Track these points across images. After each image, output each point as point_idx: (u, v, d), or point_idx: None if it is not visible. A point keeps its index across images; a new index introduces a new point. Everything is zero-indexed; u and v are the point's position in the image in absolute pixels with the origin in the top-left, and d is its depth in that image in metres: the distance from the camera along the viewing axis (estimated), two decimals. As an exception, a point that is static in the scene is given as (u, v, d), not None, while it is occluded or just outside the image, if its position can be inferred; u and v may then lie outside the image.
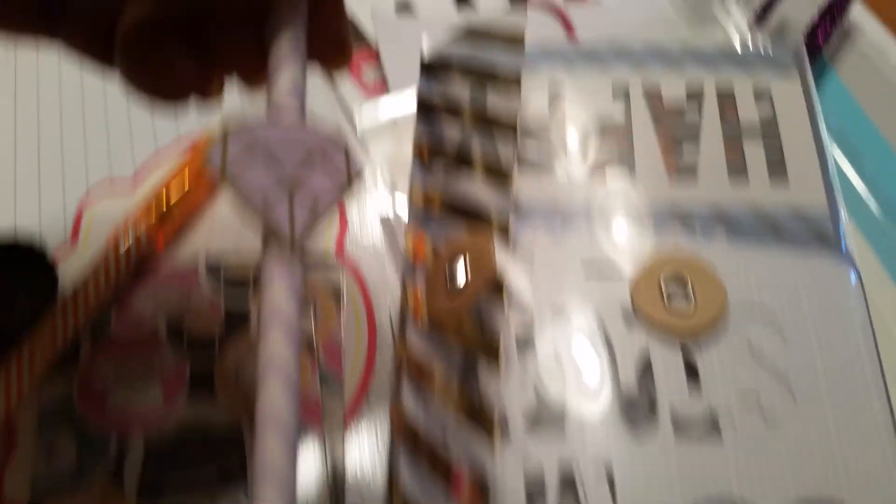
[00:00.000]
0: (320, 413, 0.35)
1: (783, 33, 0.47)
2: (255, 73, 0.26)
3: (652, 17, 0.49)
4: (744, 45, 0.42)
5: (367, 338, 0.37)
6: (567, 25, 0.47)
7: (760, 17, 0.47)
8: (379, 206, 0.41)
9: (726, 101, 0.39)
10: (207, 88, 0.27)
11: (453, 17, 0.49)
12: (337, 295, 0.38)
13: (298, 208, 0.20)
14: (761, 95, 0.39)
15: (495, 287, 0.31)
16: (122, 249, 0.37)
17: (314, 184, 0.21)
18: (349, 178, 0.21)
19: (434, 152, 0.38)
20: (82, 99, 0.44)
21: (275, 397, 0.18)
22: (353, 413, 0.35)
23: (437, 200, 0.36)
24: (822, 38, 0.46)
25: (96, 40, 0.27)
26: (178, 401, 0.35)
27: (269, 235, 0.20)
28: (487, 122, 0.37)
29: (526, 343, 0.33)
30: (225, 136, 0.21)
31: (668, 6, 0.50)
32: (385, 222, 0.40)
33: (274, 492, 0.17)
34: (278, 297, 0.19)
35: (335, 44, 0.26)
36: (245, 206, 0.20)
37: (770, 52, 0.41)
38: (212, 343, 0.36)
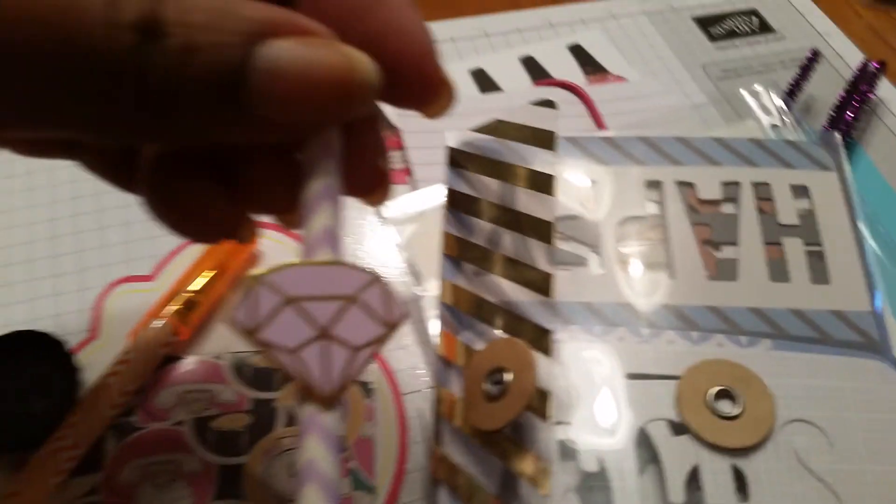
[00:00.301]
0: (352, 516, 0.34)
1: (810, 112, 0.47)
2: (290, 211, 0.24)
3: (676, 97, 0.49)
4: (776, 132, 0.42)
5: (398, 435, 0.36)
6: (592, 110, 0.47)
7: (788, 95, 0.46)
8: (405, 294, 0.40)
9: (763, 195, 0.39)
10: (238, 229, 0.26)
11: (476, 98, 0.48)
12: (366, 388, 0.37)
13: (335, 363, 0.19)
14: (798, 189, 0.39)
15: (538, 400, 0.30)
16: (146, 342, 0.36)
17: (352, 335, 0.20)
18: (391, 325, 0.20)
19: (463, 247, 0.37)
20: (98, 195, 0.44)
21: None
22: (385, 515, 0.34)
23: (470, 299, 0.36)
24: (851, 116, 0.45)
25: (120, 168, 0.26)
26: (207, 501, 0.33)
27: (304, 392, 0.19)
28: (518, 219, 0.36)
29: (566, 453, 0.32)
30: (254, 289, 0.19)
31: (692, 84, 0.50)
32: (414, 317, 0.39)
33: None
34: (314, 455, 0.18)
35: (373, 179, 0.24)
36: (276, 364, 0.19)
37: (804, 139, 0.41)
38: (238, 439, 0.35)
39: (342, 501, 0.34)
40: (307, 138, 0.21)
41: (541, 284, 0.34)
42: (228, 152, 0.24)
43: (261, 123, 0.20)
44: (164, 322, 0.36)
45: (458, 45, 0.52)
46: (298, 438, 0.19)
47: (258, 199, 0.25)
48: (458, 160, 0.39)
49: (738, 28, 0.55)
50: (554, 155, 0.36)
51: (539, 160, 0.37)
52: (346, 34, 0.21)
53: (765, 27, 0.55)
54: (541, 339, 0.32)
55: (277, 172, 0.24)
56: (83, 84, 0.18)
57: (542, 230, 0.35)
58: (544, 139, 0.36)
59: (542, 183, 0.36)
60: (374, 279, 0.20)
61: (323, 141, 0.21)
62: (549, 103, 0.37)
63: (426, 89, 0.23)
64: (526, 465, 0.30)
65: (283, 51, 0.19)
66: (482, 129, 0.39)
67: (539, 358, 0.31)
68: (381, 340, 0.20)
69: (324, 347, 0.19)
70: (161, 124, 0.19)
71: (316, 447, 0.18)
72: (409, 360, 0.38)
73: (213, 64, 0.18)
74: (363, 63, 0.20)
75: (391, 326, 0.20)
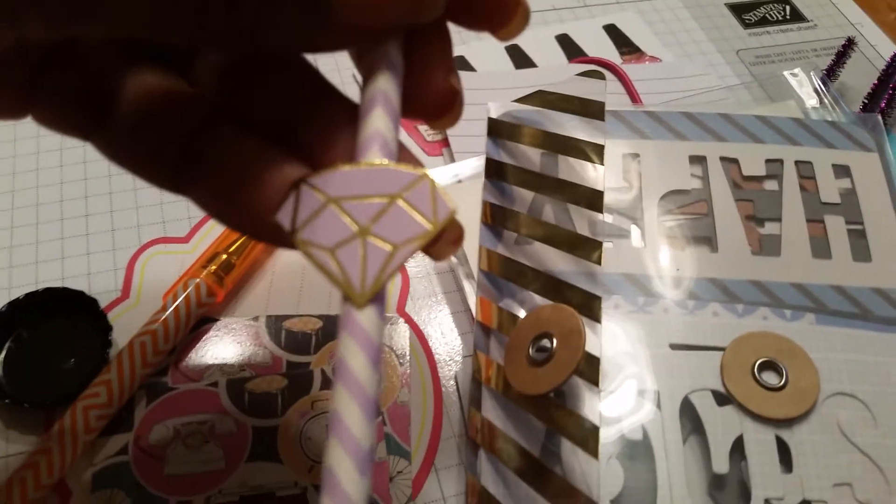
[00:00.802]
0: (387, 480, 0.33)
1: (843, 99, 0.47)
2: None
3: (711, 79, 0.49)
4: (816, 114, 0.42)
5: (433, 400, 0.36)
6: (629, 87, 0.46)
7: (823, 83, 0.46)
8: (440, 264, 0.40)
9: (805, 173, 0.39)
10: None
11: (511, 74, 0.48)
12: (399, 353, 0.37)
13: (372, 262, 0.19)
14: (840, 169, 0.39)
15: (586, 365, 0.30)
16: (181, 303, 0.35)
17: (392, 233, 0.19)
18: (435, 223, 0.19)
19: (504, 216, 0.36)
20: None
21: (340, 459, 0.17)
22: (421, 480, 0.34)
23: (510, 266, 0.35)
24: (885, 103, 0.45)
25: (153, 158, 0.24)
26: (239, 462, 0.33)
27: (342, 291, 0.19)
28: (563, 188, 0.36)
29: (609, 421, 0.32)
30: (297, 190, 0.19)
31: (726, 68, 0.50)
32: (448, 281, 0.39)
33: None
34: (350, 356, 0.18)
35: (443, 98, 0.22)
36: (316, 264, 0.19)
37: (843, 121, 0.41)
38: (273, 401, 0.35)
39: (379, 465, 0.33)
40: (368, 50, 0.21)
41: (590, 253, 0.33)
42: (293, 112, 0.23)
43: (335, 29, 0.19)
44: (199, 283, 0.36)
45: (494, 20, 0.51)
46: (337, 338, 0.18)
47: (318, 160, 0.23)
48: (499, 130, 0.39)
49: (770, 16, 0.55)
50: (601, 125, 0.36)
51: (584, 130, 0.37)
52: None
53: (796, 16, 0.55)
54: (589, 305, 0.32)
55: (339, 123, 0.22)
56: None
57: (591, 199, 0.34)
58: (593, 109, 0.36)
59: (590, 152, 0.36)
60: (421, 177, 0.20)
61: (383, 51, 0.21)
62: (596, 73, 0.37)
63: (502, 7, 0.22)
64: (574, 429, 0.29)
65: None
66: (525, 100, 0.38)
67: (587, 324, 0.31)
68: (424, 238, 0.19)
69: (361, 245, 0.19)
70: (234, 22, 0.19)
71: (349, 346, 0.18)
72: (444, 328, 0.38)
73: None
74: None
75: (436, 224, 0.19)
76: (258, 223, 0.21)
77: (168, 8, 0.18)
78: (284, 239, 0.20)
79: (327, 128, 0.22)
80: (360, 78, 0.21)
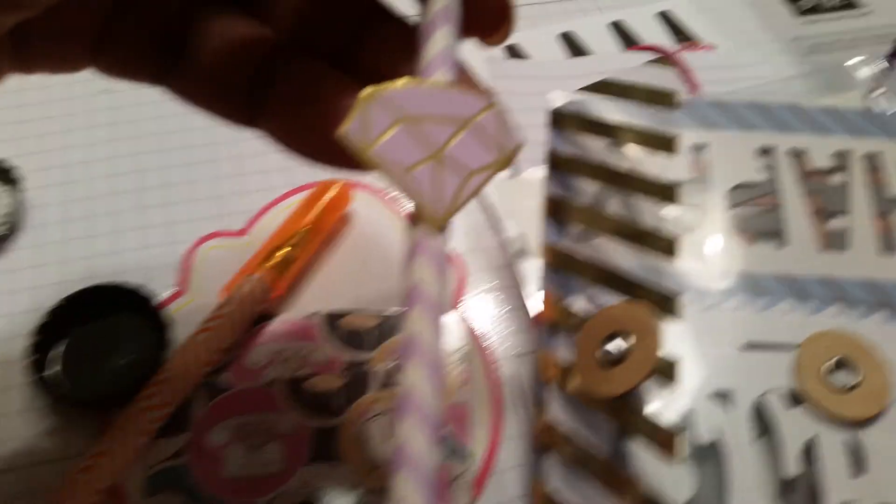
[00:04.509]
0: (448, 486, 0.33)
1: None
2: None
3: (769, 68, 0.48)
4: (880, 105, 0.41)
5: (492, 401, 0.35)
6: (688, 77, 0.45)
7: (884, 74, 0.45)
8: (497, 259, 0.39)
9: (873, 167, 0.38)
10: None
11: (564, 63, 0.47)
12: (460, 353, 0.36)
13: (447, 185, 0.19)
14: (909, 162, 0.38)
15: (664, 365, 0.29)
16: (239, 299, 0.35)
17: (465, 158, 0.19)
18: (506, 151, 0.20)
19: (567, 210, 0.36)
20: (187, 149, 0.43)
21: (417, 379, 0.17)
22: (481, 484, 0.33)
23: (574, 262, 0.34)
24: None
25: (220, 91, 0.24)
26: (300, 464, 0.33)
27: (415, 212, 0.19)
28: (631, 182, 0.35)
29: (679, 422, 0.31)
30: (366, 105, 0.19)
31: (781, 56, 0.49)
32: (507, 276, 0.38)
33: None
34: (423, 276, 0.18)
35: (494, 13, 0.23)
36: (389, 181, 0.19)
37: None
38: (333, 401, 0.34)
39: (439, 468, 0.33)
40: None
41: (663, 247, 0.32)
42: (356, 38, 0.24)
43: None
44: (258, 278, 0.35)
45: (546, 7, 0.51)
46: (406, 258, 0.19)
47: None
48: (563, 121, 0.38)
49: (824, 1, 0.53)
50: (674, 115, 0.35)
51: (654, 119, 0.36)
52: None
53: (848, 2, 0.54)
54: (666, 304, 0.31)
55: (399, 45, 0.23)
56: None
57: (665, 191, 0.33)
58: (663, 98, 0.35)
59: (664, 143, 0.35)
60: (491, 105, 0.20)
61: None
62: (664, 61, 0.36)
63: (496, 16, 0.23)
64: (651, 433, 0.29)
65: None
66: (590, 89, 0.37)
67: (663, 323, 0.30)
68: (494, 167, 0.19)
69: (436, 168, 0.19)
70: None
71: (425, 268, 0.18)
72: (503, 326, 0.37)
73: None
74: None
75: (506, 153, 0.20)
76: (328, 146, 0.21)
77: None
78: (355, 162, 0.19)
79: (389, 51, 0.23)
80: None
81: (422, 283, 0.18)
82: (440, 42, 0.20)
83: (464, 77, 0.22)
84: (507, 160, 0.20)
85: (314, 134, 0.21)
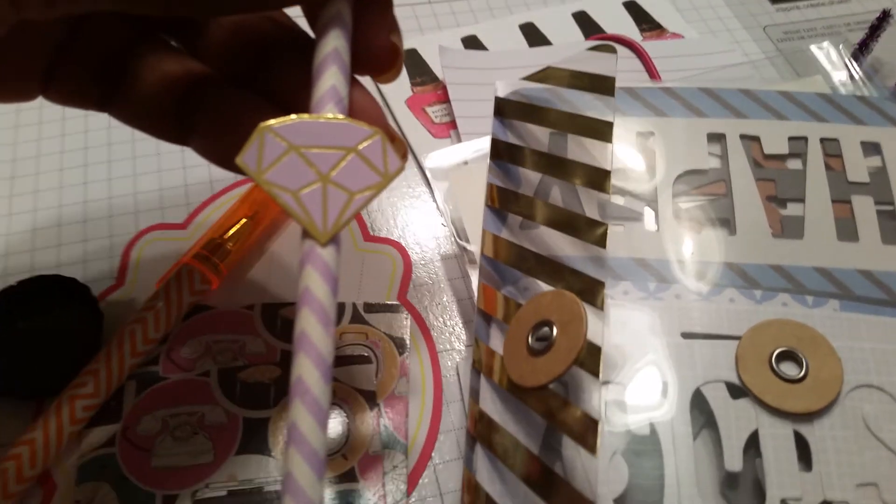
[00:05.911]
0: (382, 473, 0.32)
1: (877, 74, 0.44)
2: None
3: (735, 56, 0.46)
4: (845, 89, 0.39)
5: (433, 391, 0.34)
6: (648, 64, 0.44)
7: (855, 57, 0.44)
8: (444, 249, 0.38)
9: (831, 151, 0.37)
10: None
11: (524, 53, 0.46)
12: (399, 342, 0.35)
13: (332, 205, 0.21)
14: (869, 146, 0.36)
15: (587, 355, 0.28)
16: (174, 290, 0.34)
17: (349, 181, 0.21)
18: (387, 175, 0.22)
19: (509, 199, 0.35)
20: (133, 142, 0.43)
21: (306, 369, 0.20)
22: (417, 475, 0.32)
23: (513, 252, 0.33)
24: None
25: (157, 117, 0.28)
26: (228, 455, 0.32)
27: (306, 229, 0.21)
28: (569, 168, 0.34)
29: (614, 415, 0.30)
30: (260, 137, 0.21)
31: (752, 45, 0.48)
32: (452, 267, 0.37)
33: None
34: (312, 283, 0.20)
35: (386, 55, 0.25)
36: (279, 203, 0.21)
37: (874, 97, 0.38)
38: (266, 392, 0.33)
39: (374, 458, 0.32)
40: (320, 10, 0.23)
41: (593, 235, 0.31)
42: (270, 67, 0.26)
43: None
44: (192, 269, 0.34)
45: (508, -4, 0.50)
46: (298, 269, 0.21)
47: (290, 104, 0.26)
48: (506, 110, 0.37)
49: (798, -10, 0.52)
50: (611, 101, 0.34)
51: (594, 107, 0.35)
52: None
53: (823, -9, 0.52)
54: (591, 291, 0.30)
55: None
56: None
57: (596, 179, 0.32)
58: (601, 85, 0.34)
59: (598, 130, 0.34)
60: (374, 133, 0.22)
61: (333, 11, 0.23)
62: (606, 48, 0.35)
63: (385, 58, 0.25)
64: (573, 423, 0.27)
65: None
66: (533, 78, 0.36)
67: (589, 311, 0.29)
68: (376, 188, 0.22)
69: (322, 190, 0.21)
70: None
71: (312, 276, 0.20)
72: (446, 317, 0.36)
73: None
74: None
75: (387, 176, 0.22)
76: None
77: None
78: None
79: (300, 78, 0.24)
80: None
81: (309, 288, 0.20)
82: (329, 80, 0.22)
83: (379, 122, 0.25)
84: (387, 181, 0.22)
85: (235, 152, 0.23)
